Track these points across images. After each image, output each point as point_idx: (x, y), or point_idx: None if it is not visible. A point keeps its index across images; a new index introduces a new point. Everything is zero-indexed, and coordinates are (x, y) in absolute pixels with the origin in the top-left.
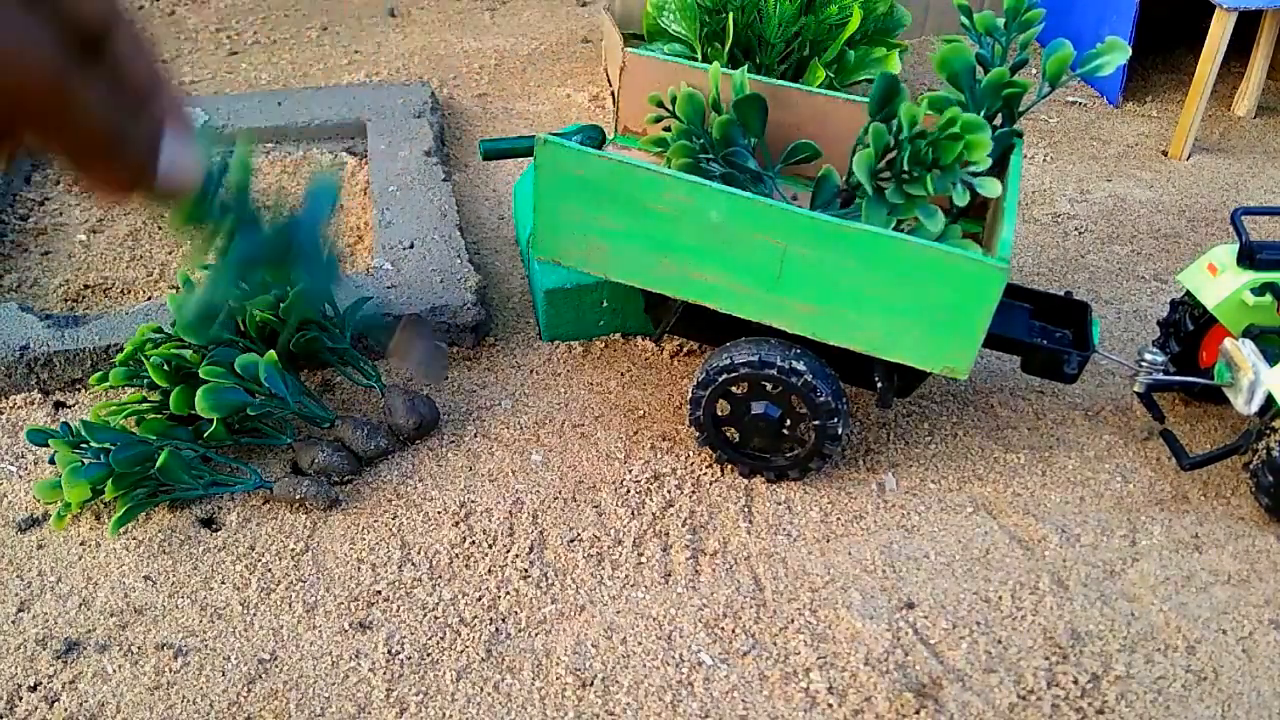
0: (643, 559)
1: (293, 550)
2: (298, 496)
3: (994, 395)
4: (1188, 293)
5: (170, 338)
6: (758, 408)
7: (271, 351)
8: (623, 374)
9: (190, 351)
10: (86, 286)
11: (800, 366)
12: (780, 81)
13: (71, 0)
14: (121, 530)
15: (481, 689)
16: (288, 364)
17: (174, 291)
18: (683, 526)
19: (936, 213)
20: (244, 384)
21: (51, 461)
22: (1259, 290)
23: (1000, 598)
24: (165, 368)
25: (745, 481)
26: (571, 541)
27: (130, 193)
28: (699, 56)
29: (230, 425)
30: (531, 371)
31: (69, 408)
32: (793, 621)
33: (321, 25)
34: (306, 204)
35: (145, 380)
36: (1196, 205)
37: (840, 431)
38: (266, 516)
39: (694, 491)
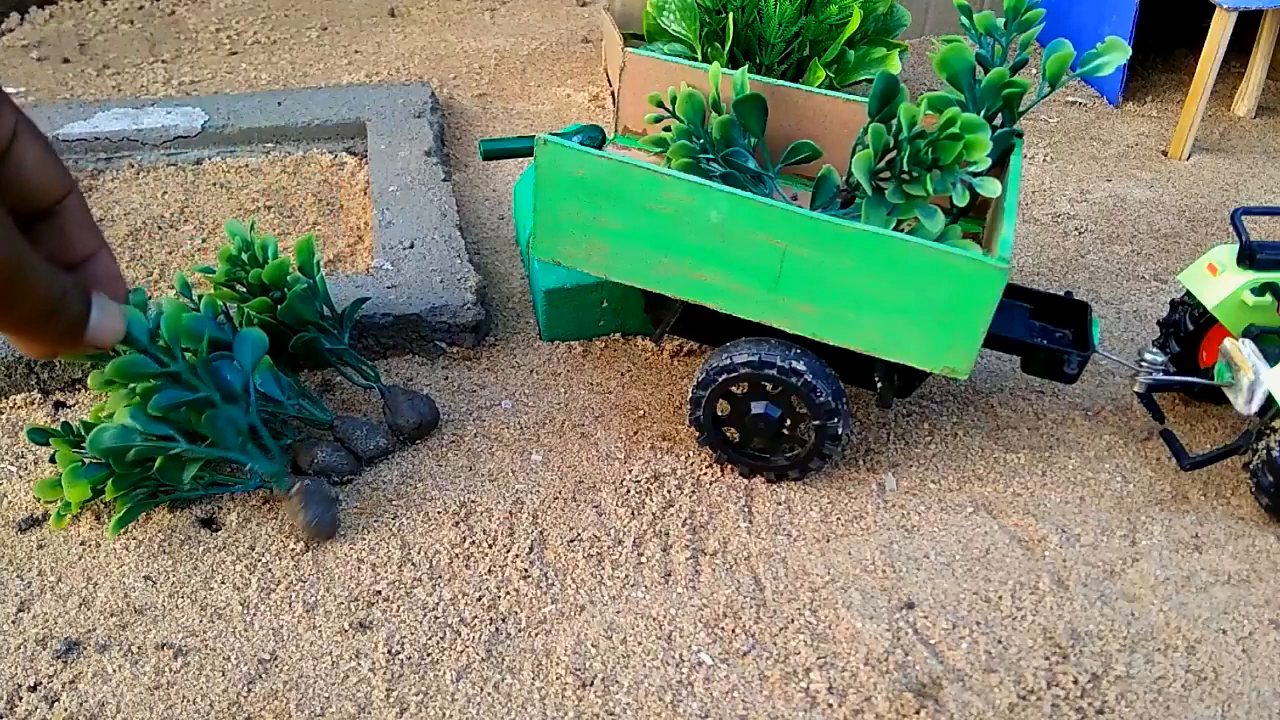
0: (643, 559)
1: (293, 550)
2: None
3: (994, 395)
4: (1188, 293)
5: None
6: (758, 408)
7: (267, 356)
8: (623, 374)
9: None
10: None
11: (800, 366)
12: (780, 81)
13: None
14: (121, 530)
15: (481, 689)
16: (287, 365)
17: (171, 292)
18: (683, 526)
19: (936, 213)
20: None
21: (52, 461)
22: (1259, 290)
23: (1000, 598)
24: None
25: (745, 481)
26: (571, 541)
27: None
28: (699, 56)
29: None
30: (531, 371)
31: (69, 408)
32: (793, 621)
33: (321, 25)
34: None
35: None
36: (1196, 205)
37: (840, 431)
38: (266, 516)
39: (694, 491)
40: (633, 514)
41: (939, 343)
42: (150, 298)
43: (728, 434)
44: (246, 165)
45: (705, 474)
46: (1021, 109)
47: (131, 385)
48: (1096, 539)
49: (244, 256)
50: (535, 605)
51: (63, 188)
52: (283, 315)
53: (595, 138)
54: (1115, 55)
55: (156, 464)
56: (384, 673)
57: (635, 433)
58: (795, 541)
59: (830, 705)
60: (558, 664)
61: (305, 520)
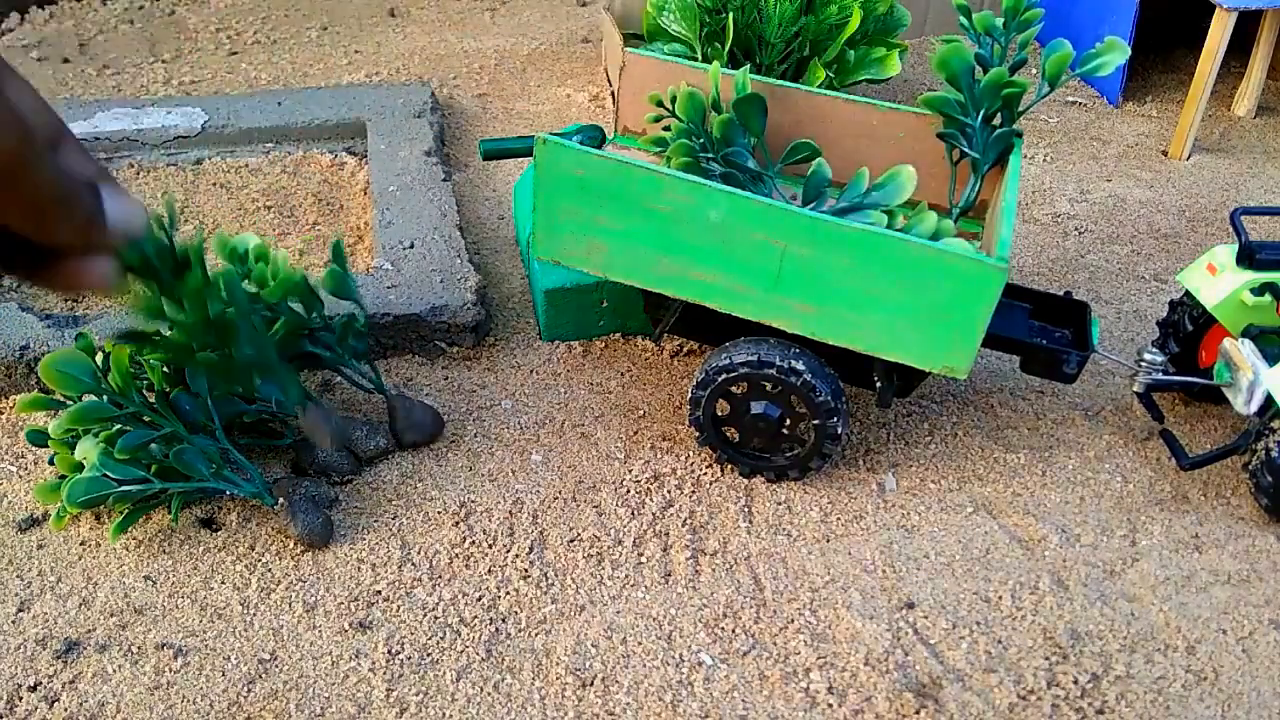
0: (643, 559)
1: (293, 550)
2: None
3: (994, 395)
4: (1187, 293)
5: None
6: (757, 407)
7: None
8: (623, 374)
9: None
10: None
11: (799, 366)
12: (780, 81)
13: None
14: (121, 534)
15: (481, 689)
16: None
17: None
18: (683, 526)
19: (930, 215)
20: (240, 391)
21: (51, 462)
22: (1258, 290)
23: (1000, 598)
24: (165, 370)
25: (745, 481)
26: (571, 541)
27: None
28: (699, 56)
29: (229, 428)
30: (531, 371)
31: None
32: (793, 621)
33: (321, 25)
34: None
35: (144, 382)
36: (1196, 205)
37: (840, 431)
38: (266, 516)
39: (694, 491)
40: (633, 514)
41: (938, 342)
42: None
43: (727, 434)
44: (246, 165)
45: (705, 474)
46: (1021, 109)
47: (95, 430)
48: (1096, 539)
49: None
50: (535, 605)
51: (57, 131)
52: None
53: (595, 138)
54: (1114, 55)
55: (171, 451)
56: (384, 673)
57: (635, 433)
58: (795, 541)
59: (830, 705)
60: (558, 664)
61: (295, 532)
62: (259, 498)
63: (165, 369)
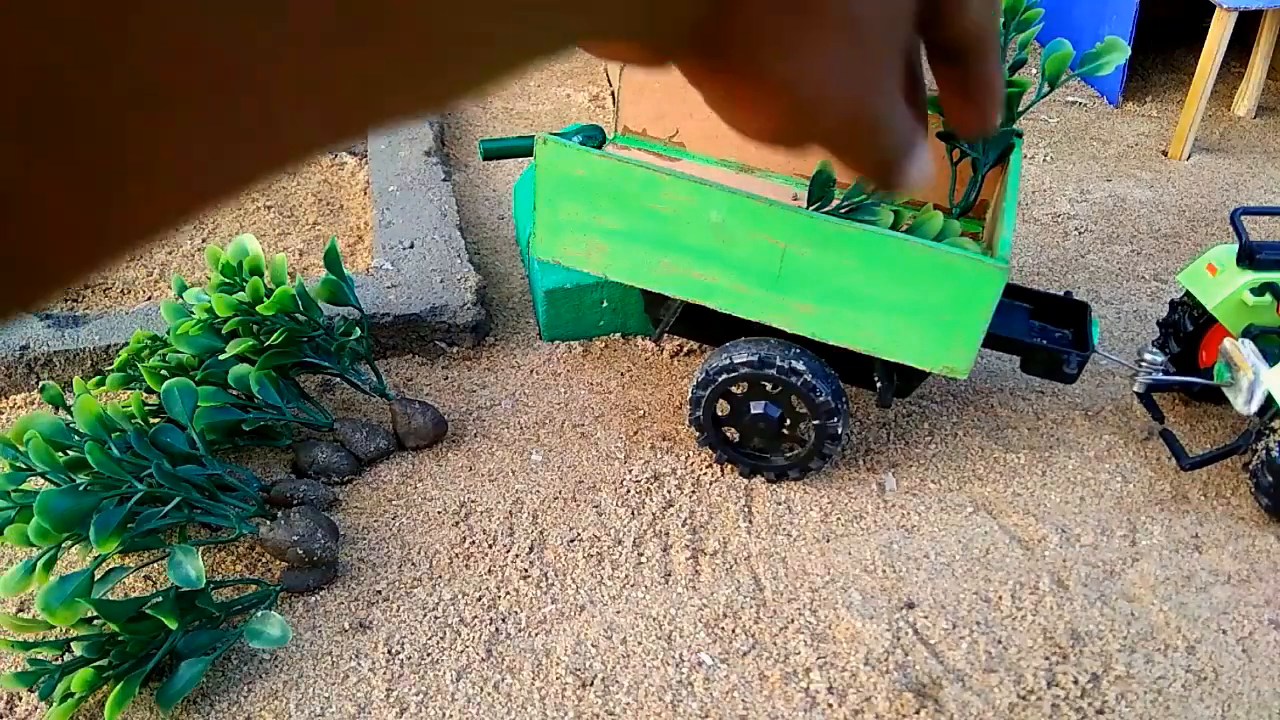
0: (643, 559)
1: None
2: (297, 497)
3: (994, 395)
4: (1187, 293)
5: (167, 343)
6: (757, 408)
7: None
8: (623, 374)
9: (187, 356)
10: (86, 286)
11: (800, 366)
12: None
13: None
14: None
15: (481, 689)
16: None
17: (171, 293)
18: (683, 526)
19: (936, 215)
20: (238, 398)
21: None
22: (1258, 290)
23: (1000, 598)
24: (163, 373)
25: (745, 481)
26: (571, 541)
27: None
28: None
29: (230, 433)
30: (531, 371)
31: (69, 408)
32: (793, 621)
33: None
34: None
35: (143, 385)
36: (1196, 205)
37: (840, 431)
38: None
39: (694, 491)
40: (633, 514)
41: (938, 342)
42: (150, 298)
43: (727, 434)
44: None
45: (705, 474)
46: (1021, 109)
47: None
48: (1096, 539)
49: (238, 279)
50: (535, 605)
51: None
52: (273, 361)
53: (595, 138)
54: (1114, 55)
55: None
56: (384, 673)
57: (635, 433)
58: (795, 541)
59: (830, 705)
60: (558, 664)
61: (296, 556)
62: (258, 516)
63: (145, 403)
